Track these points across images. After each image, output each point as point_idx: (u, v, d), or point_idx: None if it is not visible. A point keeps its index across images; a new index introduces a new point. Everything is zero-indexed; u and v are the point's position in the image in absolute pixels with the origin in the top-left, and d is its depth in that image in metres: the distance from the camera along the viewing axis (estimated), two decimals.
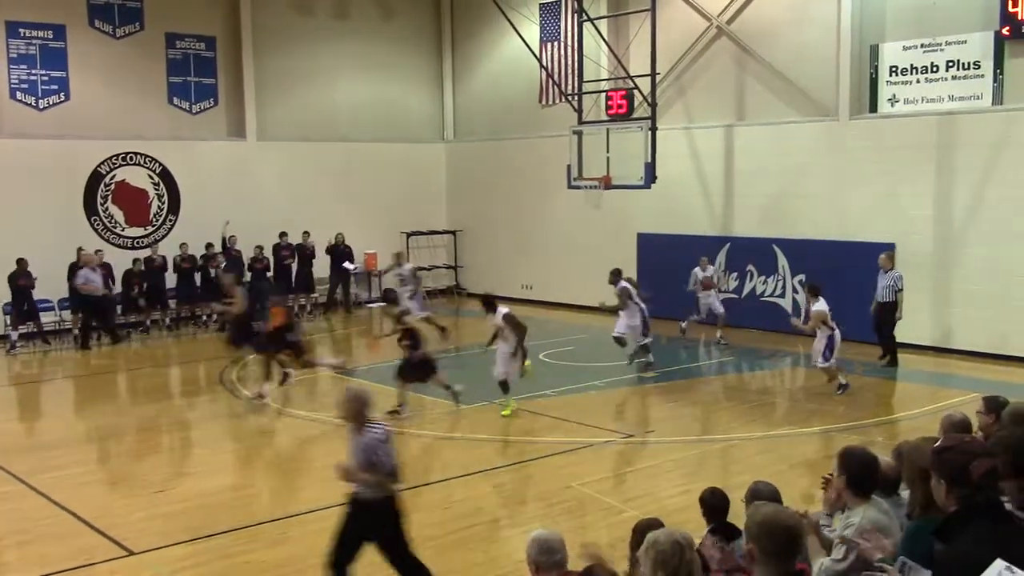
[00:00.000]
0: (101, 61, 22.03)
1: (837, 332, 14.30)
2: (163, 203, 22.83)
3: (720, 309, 18.95)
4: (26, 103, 21.19)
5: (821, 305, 14.33)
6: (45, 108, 21.41)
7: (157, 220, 22.76)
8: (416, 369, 13.66)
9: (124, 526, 9.23)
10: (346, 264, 24.15)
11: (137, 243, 22.34)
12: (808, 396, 14.76)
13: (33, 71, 21.23)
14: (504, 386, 13.59)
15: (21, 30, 21.07)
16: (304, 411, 14.19)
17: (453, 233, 27.03)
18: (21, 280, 19.73)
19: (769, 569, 3.85)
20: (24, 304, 19.84)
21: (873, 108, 18.54)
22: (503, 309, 13.36)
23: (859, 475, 5.02)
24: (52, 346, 19.98)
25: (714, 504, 6.23)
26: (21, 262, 19.57)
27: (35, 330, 20.16)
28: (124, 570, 8.36)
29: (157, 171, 22.73)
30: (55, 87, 21.52)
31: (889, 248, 17.74)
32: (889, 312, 16.27)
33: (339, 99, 25.47)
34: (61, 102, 21.59)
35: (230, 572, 8.36)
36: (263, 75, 24.18)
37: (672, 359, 17.61)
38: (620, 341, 16.56)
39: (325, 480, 10.55)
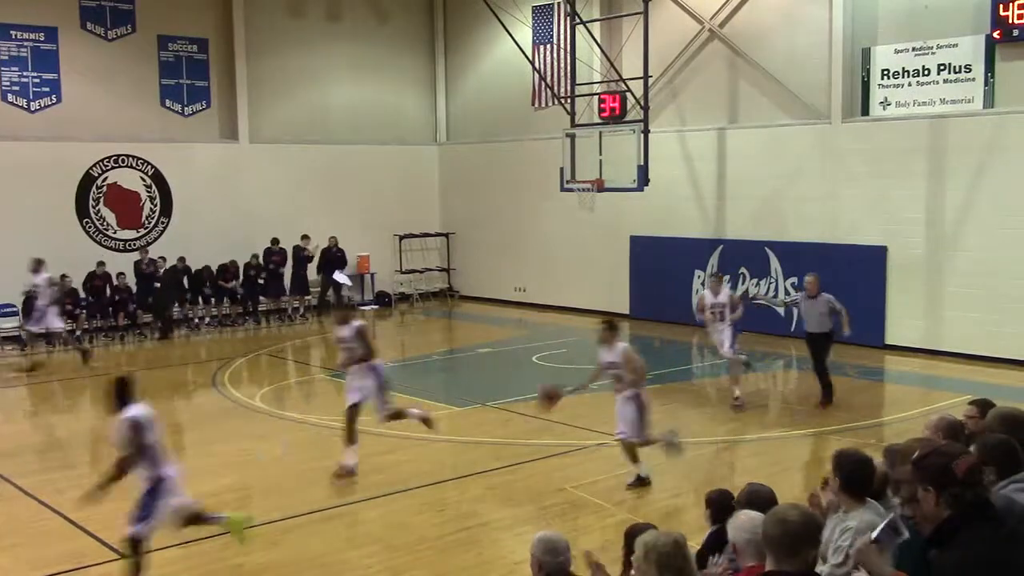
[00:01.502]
0: (93, 63, 21.99)
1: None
2: (155, 205, 22.79)
3: (728, 350, 14.19)
4: (17, 105, 21.16)
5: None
6: (37, 110, 21.38)
7: (149, 223, 22.72)
8: None
9: (115, 529, 9.19)
10: (339, 277, 23.94)
11: (129, 245, 22.29)
12: (800, 399, 14.79)
13: (25, 73, 21.18)
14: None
15: (12, 32, 21.03)
16: (296, 413, 14.18)
17: (446, 235, 27.04)
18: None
19: (783, 566, 3.82)
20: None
21: (865, 111, 18.60)
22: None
23: (855, 478, 5.02)
24: (56, 348, 19.93)
25: (723, 503, 6.21)
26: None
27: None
28: (116, 573, 8.33)
29: (149, 173, 22.70)
30: (47, 89, 21.49)
31: (880, 251, 17.83)
32: (824, 342, 13.89)
33: (332, 101, 25.46)
34: (53, 104, 21.55)
35: (222, 575, 8.35)
36: (256, 77, 24.17)
37: (665, 361, 17.63)
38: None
39: (318, 483, 10.59)
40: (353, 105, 25.70)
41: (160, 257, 21.84)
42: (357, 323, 11.05)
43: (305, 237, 23.60)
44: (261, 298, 23.29)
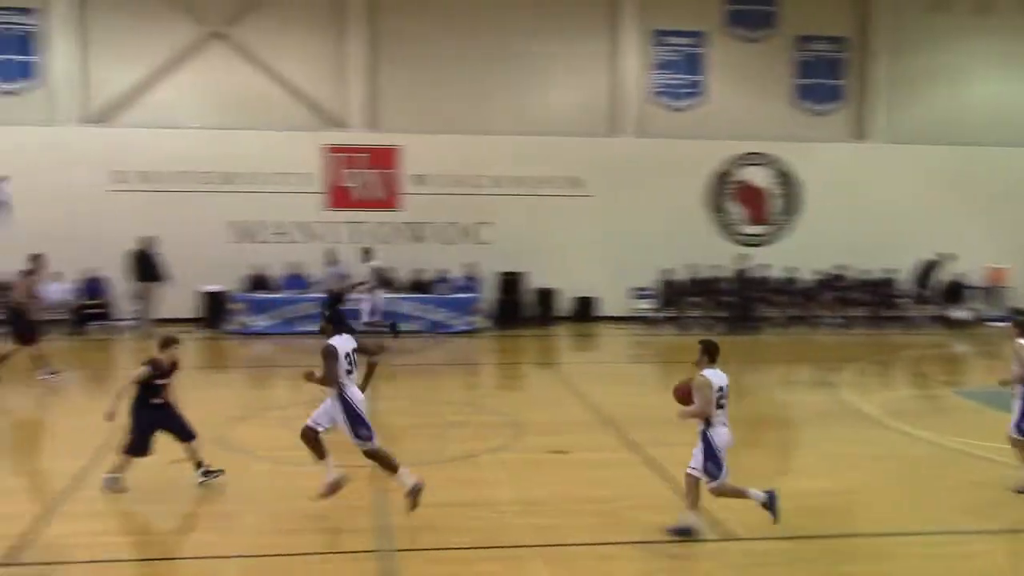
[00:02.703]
0: (735, 64, 23.12)
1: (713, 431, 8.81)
2: (782, 203, 23.25)
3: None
4: (666, 105, 23.01)
5: None
6: (682, 110, 23.03)
7: (775, 220, 23.27)
8: None
9: (721, 512, 9.48)
10: (960, 313, 22.36)
11: (754, 241, 23.09)
12: None
13: (674, 75, 22.96)
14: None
15: (665, 38, 22.88)
16: (913, 428, 13.44)
17: None
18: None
19: None
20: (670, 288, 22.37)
21: None
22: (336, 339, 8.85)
23: None
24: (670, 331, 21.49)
25: None
26: None
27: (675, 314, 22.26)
28: (720, 554, 8.58)
29: (778, 171, 23.21)
30: (692, 90, 23.05)
31: None
32: None
33: (972, 100, 23.71)
34: (697, 104, 23.07)
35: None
36: (892, 75, 23.46)
37: None
38: None
39: (948, 504, 9.84)
40: (997, 103, 23.63)
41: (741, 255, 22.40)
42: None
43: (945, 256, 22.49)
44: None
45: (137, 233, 19.96)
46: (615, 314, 22.47)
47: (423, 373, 17.91)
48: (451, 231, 22.34)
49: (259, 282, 21.23)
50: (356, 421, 8.72)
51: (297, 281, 21.32)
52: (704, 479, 8.66)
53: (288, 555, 8.17)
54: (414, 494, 8.75)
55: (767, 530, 8.95)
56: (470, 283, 21.91)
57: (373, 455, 8.89)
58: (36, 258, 16.03)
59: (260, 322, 20.35)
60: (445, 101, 22.48)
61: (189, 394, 16.01)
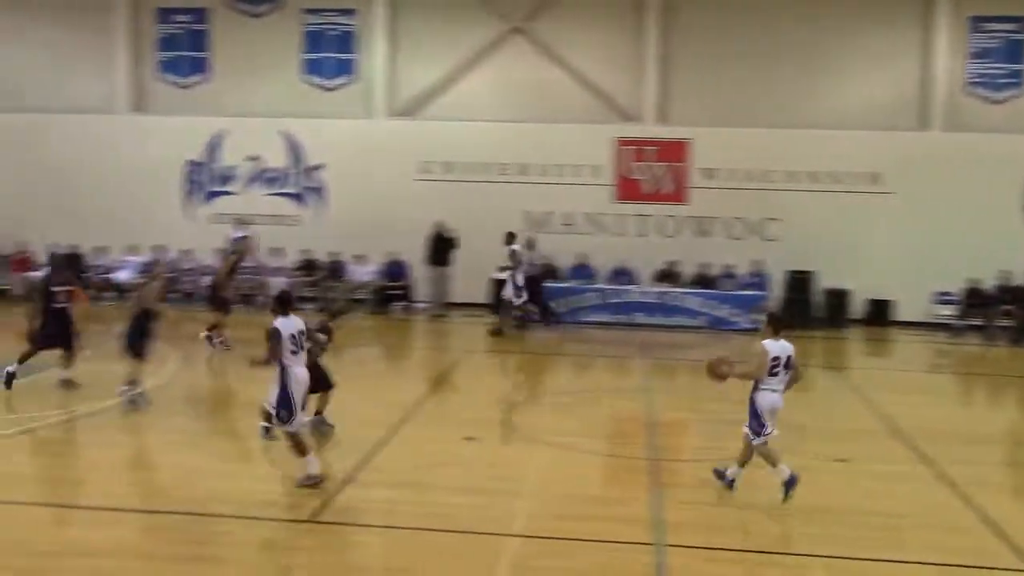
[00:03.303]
0: None
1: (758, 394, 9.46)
2: None
3: None
4: (982, 97, 21.39)
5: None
6: (1000, 102, 21.37)
7: None
8: None
9: None
10: None
11: None
12: None
13: (993, 64, 21.33)
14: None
15: (984, 24, 21.34)
16: None
17: None
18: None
19: None
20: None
21: None
22: (279, 320, 9.34)
23: None
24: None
25: None
26: None
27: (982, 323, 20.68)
28: None
29: None
30: (1013, 80, 21.35)
31: None
32: None
33: None
34: (1018, 95, 21.50)
35: None
36: None
37: None
38: None
39: None
40: None
41: None
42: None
43: None
44: None
45: (438, 221, 21.13)
46: (913, 319, 21.15)
47: (704, 369, 17.69)
48: (738, 226, 21.88)
49: (547, 272, 21.79)
50: (282, 402, 9.27)
51: (584, 271, 21.71)
52: (749, 435, 9.34)
53: (562, 539, 8.37)
54: (313, 481, 9.28)
55: None
56: (757, 280, 21.39)
57: (290, 437, 9.37)
58: (241, 240, 18.05)
59: None
60: (737, 94, 22.01)
61: (477, 378, 16.74)
